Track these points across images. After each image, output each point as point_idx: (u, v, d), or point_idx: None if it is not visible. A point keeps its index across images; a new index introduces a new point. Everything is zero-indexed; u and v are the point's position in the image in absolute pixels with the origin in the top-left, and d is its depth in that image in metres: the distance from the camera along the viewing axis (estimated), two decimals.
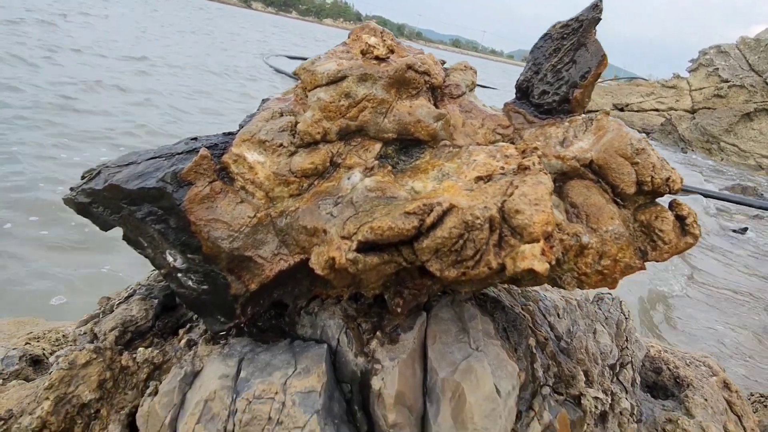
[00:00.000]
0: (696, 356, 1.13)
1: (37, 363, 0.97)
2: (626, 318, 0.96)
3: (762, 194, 7.99)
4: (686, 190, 6.99)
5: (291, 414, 0.58)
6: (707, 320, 2.86)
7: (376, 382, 0.62)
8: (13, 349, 0.95)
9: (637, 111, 13.16)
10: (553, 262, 0.55)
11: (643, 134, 0.66)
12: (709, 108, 11.56)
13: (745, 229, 5.90)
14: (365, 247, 0.56)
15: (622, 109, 13.29)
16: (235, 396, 0.59)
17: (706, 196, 7.09)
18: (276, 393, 0.59)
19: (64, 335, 1.09)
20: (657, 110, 12.94)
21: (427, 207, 0.55)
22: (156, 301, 0.76)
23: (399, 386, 0.61)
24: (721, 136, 10.94)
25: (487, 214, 0.53)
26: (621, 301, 0.99)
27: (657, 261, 0.64)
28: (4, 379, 0.89)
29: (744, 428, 1.03)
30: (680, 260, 3.75)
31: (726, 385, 1.07)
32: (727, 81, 11.67)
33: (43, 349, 1.03)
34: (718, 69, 11.94)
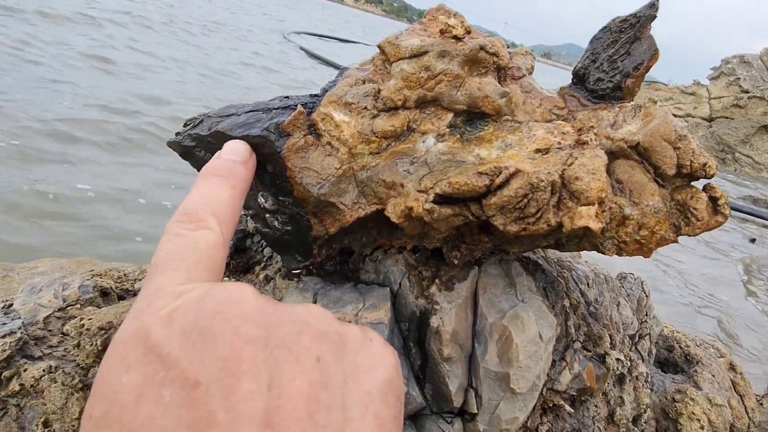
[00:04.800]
0: (706, 339, 1.21)
1: (105, 295, 1.07)
2: (647, 296, 1.04)
3: None
4: None
5: None
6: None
7: (434, 321, 0.70)
8: (87, 279, 1.04)
9: None
10: (604, 224, 0.63)
11: (686, 123, 0.74)
12: (726, 117, 11.51)
13: (754, 239, 5.99)
14: (439, 200, 0.64)
15: None
16: None
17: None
18: (349, 321, 0.68)
19: (125, 274, 1.19)
20: (674, 116, 12.90)
21: (496, 169, 0.63)
22: (231, 242, 0.85)
23: (455, 325, 0.70)
24: (736, 146, 10.92)
25: (551, 179, 0.62)
26: (643, 281, 1.07)
27: (689, 235, 0.72)
28: (81, 304, 0.99)
29: (745, 407, 1.12)
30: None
31: (732, 367, 1.16)
32: (747, 92, 11.60)
33: (109, 285, 1.12)
34: (739, 79, 11.86)
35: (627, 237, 0.70)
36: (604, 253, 0.72)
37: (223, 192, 0.43)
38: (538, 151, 0.69)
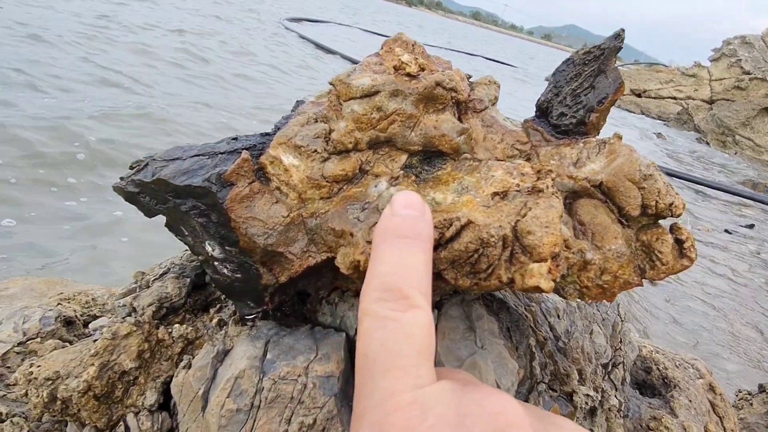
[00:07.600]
0: (686, 358, 1.19)
1: (69, 324, 1.05)
2: (622, 320, 1.02)
3: None
4: (695, 181, 7.00)
5: (312, 395, 0.64)
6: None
7: None
8: (50, 310, 1.02)
9: (654, 98, 13.00)
10: (558, 279, 0.60)
11: (652, 160, 0.70)
12: (727, 99, 11.39)
13: (752, 225, 5.92)
14: None
15: (639, 95, 13.13)
16: (262, 375, 0.66)
17: (715, 188, 7.08)
18: (299, 375, 0.65)
19: (93, 298, 1.17)
20: (675, 98, 12.77)
21: (447, 221, 0.60)
22: (188, 279, 0.83)
23: None
24: (737, 129, 10.81)
25: (501, 233, 0.59)
26: (618, 304, 1.05)
27: (654, 279, 0.69)
28: (42, 338, 0.97)
29: (724, 428, 1.11)
30: None
31: (711, 388, 1.14)
32: (748, 73, 11.47)
33: (75, 311, 1.10)
34: (740, 60, 11.72)
35: (589, 282, 0.67)
36: (566, 298, 0.69)
37: (417, 259, 0.38)
38: (495, 194, 0.66)
